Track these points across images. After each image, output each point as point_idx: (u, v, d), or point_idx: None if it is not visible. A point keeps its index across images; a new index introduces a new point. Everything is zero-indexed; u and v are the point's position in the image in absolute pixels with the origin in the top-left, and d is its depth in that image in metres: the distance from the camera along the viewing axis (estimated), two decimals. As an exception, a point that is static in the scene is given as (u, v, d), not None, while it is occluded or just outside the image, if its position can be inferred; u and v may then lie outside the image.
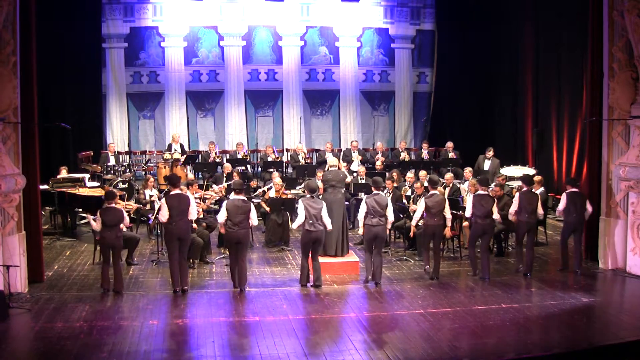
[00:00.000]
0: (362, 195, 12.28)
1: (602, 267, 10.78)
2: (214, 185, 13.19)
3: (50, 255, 11.24)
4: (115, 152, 15.64)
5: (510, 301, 9.14)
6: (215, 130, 17.80)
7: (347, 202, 11.91)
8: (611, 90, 10.57)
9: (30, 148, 9.65)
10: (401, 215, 11.44)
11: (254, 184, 14.02)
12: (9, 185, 9.08)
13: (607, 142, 10.78)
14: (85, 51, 16.34)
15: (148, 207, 12.29)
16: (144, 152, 17.20)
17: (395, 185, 12.51)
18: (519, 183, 12.07)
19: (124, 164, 15.57)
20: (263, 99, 17.98)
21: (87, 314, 8.51)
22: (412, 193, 12.04)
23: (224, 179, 13.71)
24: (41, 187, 10.37)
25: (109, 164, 15.08)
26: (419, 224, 10.51)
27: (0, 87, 9.05)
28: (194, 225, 10.28)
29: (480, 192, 10.29)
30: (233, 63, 17.66)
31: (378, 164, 14.90)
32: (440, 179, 12.37)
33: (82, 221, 13.32)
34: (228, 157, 15.87)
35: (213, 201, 12.20)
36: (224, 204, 9.57)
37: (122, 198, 11.58)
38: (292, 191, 13.22)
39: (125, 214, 9.63)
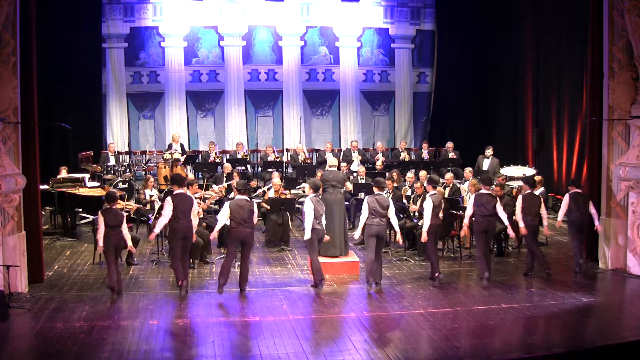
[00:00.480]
0: (362, 195, 12.28)
1: (602, 267, 10.77)
2: (214, 185, 13.20)
3: (50, 255, 11.24)
4: (115, 152, 15.64)
5: (511, 301, 9.13)
6: (215, 130, 17.80)
7: (347, 202, 11.90)
8: (611, 90, 10.56)
9: (30, 148, 9.64)
10: (401, 215, 11.44)
11: (254, 184, 14.02)
12: (9, 185, 9.07)
13: (607, 142, 10.77)
14: (85, 51, 16.31)
15: (148, 207, 12.30)
16: (144, 152, 17.19)
17: (395, 185, 12.51)
18: (520, 183, 12.05)
19: (124, 164, 15.56)
20: (263, 99, 17.98)
21: (87, 314, 8.51)
22: (412, 193, 12.05)
23: (224, 179, 13.72)
24: (41, 187, 10.35)
25: (109, 164, 15.07)
26: (419, 224, 10.47)
27: (0, 87, 9.04)
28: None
29: (482, 191, 10.25)
30: (233, 63, 17.66)
31: (378, 164, 14.91)
32: (441, 179, 12.37)
33: (82, 221, 13.33)
34: (228, 157, 15.88)
35: (213, 201, 12.21)
36: (227, 204, 9.55)
37: (122, 198, 11.59)
38: (292, 191, 13.23)
39: (126, 232, 9.50)
